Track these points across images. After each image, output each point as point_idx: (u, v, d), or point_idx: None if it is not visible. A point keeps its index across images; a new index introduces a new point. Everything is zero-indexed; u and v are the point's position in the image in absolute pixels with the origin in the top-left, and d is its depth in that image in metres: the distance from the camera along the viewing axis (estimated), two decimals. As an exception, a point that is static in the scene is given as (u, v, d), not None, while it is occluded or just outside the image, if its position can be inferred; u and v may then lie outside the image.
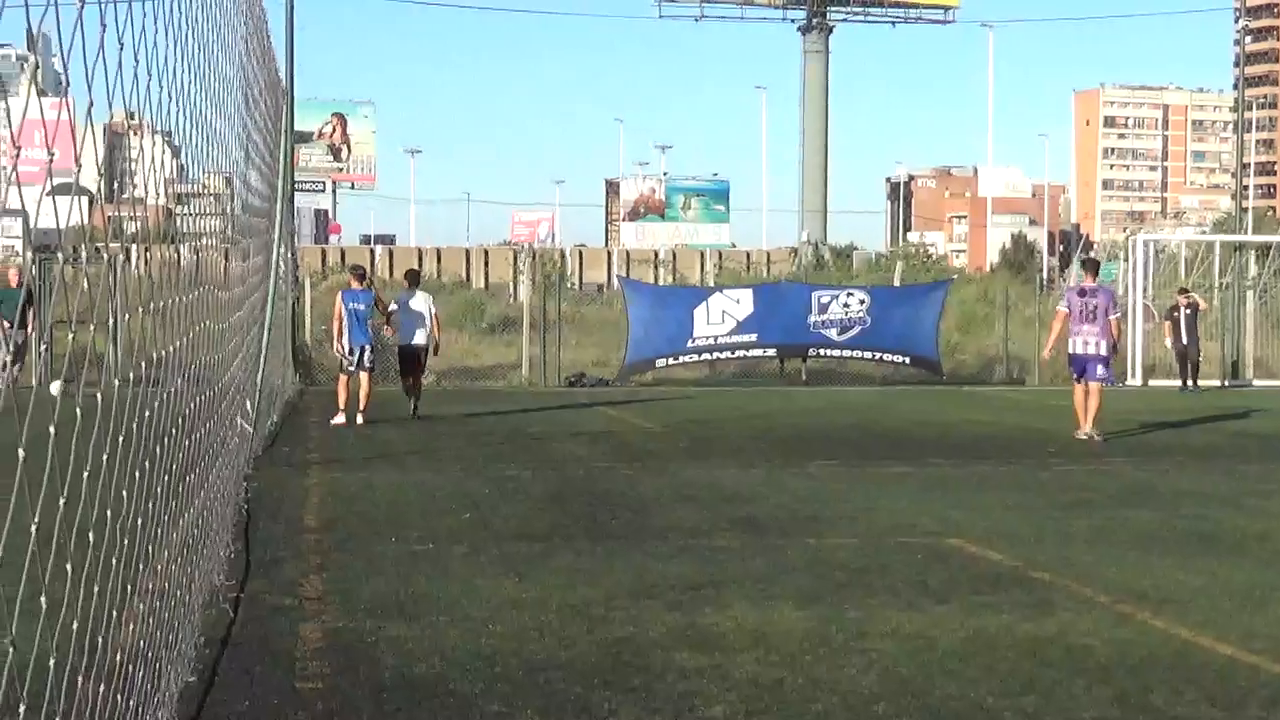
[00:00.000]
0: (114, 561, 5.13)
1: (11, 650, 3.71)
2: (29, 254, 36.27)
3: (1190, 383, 34.20)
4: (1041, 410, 27.34)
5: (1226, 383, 36.59)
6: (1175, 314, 34.67)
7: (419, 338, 23.26)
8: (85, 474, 4.67)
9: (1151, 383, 35.45)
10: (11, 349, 27.97)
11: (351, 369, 22.61)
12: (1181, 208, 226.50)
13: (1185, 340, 34.38)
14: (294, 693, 7.42)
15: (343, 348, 22.72)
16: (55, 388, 5.21)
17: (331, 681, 7.60)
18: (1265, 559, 11.50)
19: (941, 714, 7.09)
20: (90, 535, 4.77)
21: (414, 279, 24.13)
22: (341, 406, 22.44)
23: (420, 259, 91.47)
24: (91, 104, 4.47)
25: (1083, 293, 21.40)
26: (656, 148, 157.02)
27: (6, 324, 27.50)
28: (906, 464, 18.03)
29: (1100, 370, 21.32)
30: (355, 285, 23.21)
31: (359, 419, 22.22)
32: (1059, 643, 8.50)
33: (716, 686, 7.52)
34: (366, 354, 22.71)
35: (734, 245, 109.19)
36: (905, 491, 15.46)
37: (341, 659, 8.05)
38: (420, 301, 23.31)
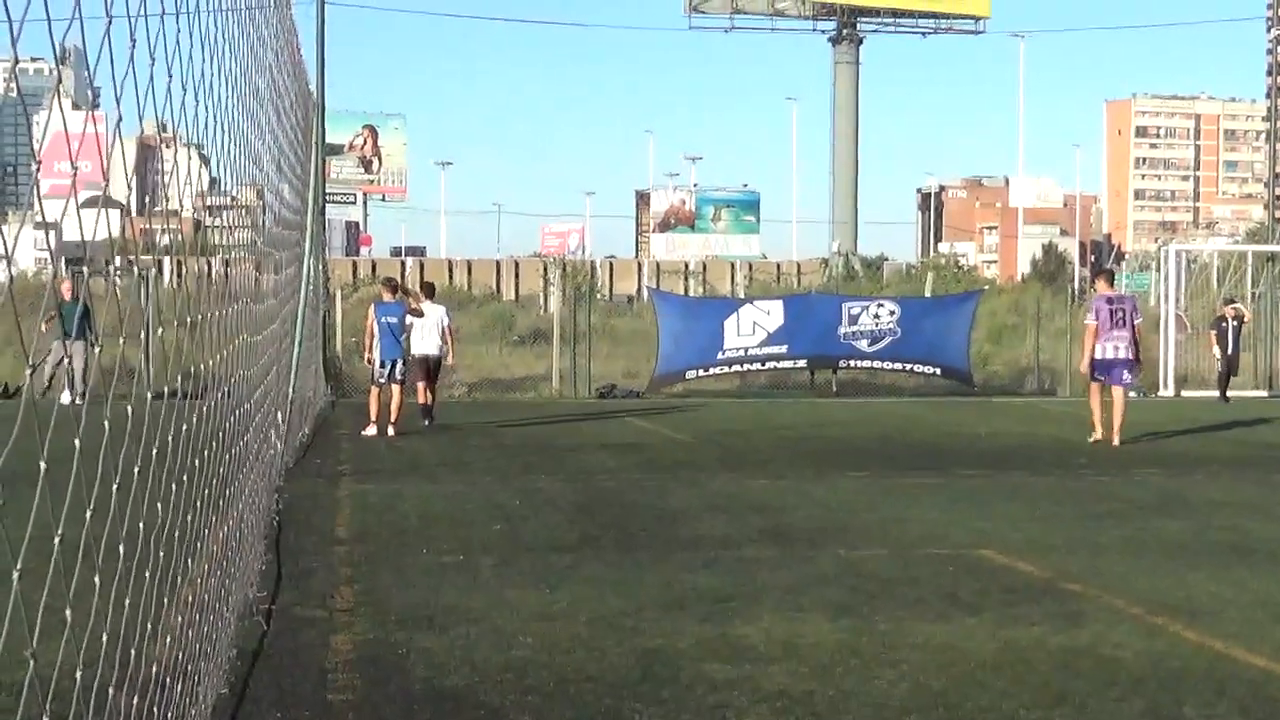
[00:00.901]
0: (147, 575, 5.15)
1: (32, 662, 3.73)
2: (61, 266, 36.39)
3: (1221, 394, 33.97)
4: (1073, 421, 27.22)
5: (1268, 393, 36.29)
6: (1223, 325, 34.40)
7: (432, 348, 23.45)
8: (115, 487, 4.68)
9: (1184, 393, 35.29)
10: (70, 362, 28.12)
11: (383, 381, 22.67)
12: (1214, 218, 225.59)
13: (1231, 351, 34.15)
14: (325, 705, 7.43)
15: (374, 360, 22.78)
16: (65, 398, 5.23)
17: (362, 693, 7.62)
18: (1298, 570, 11.44)
19: (972, 726, 7.08)
20: (121, 548, 4.79)
21: (430, 291, 24.24)
22: (373, 418, 22.48)
23: (451, 271, 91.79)
24: (121, 118, 4.49)
25: (1109, 300, 21.97)
26: (687, 159, 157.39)
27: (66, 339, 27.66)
28: (937, 475, 18.00)
29: (1126, 375, 21.85)
30: (388, 297, 23.24)
31: (390, 430, 22.25)
32: (1091, 654, 8.47)
33: (747, 698, 7.51)
34: (398, 367, 22.75)
35: (764, 256, 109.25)
36: (936, 502, 15.42)
37: (372, 671, 8.06)
38: (434, 313, 23.41)
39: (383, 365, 22.64)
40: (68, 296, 29.61)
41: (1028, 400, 33.96)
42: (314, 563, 11.50)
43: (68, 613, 4.11)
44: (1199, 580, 10.86)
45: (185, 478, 5.74)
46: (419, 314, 23.11)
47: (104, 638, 4.61)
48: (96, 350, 25.85)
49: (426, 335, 23.37)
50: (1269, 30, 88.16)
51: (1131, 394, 34.89)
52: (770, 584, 10.62)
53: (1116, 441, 21.35)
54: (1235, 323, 34.17)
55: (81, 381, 27.91)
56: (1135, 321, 21.79)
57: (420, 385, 23.60)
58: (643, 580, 10.74)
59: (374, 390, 22.87)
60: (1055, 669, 8.13)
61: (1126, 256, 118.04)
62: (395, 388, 22.77)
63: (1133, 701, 7.50)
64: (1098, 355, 21.78)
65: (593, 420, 26.36)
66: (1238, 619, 9.51)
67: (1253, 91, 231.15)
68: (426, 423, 23.41)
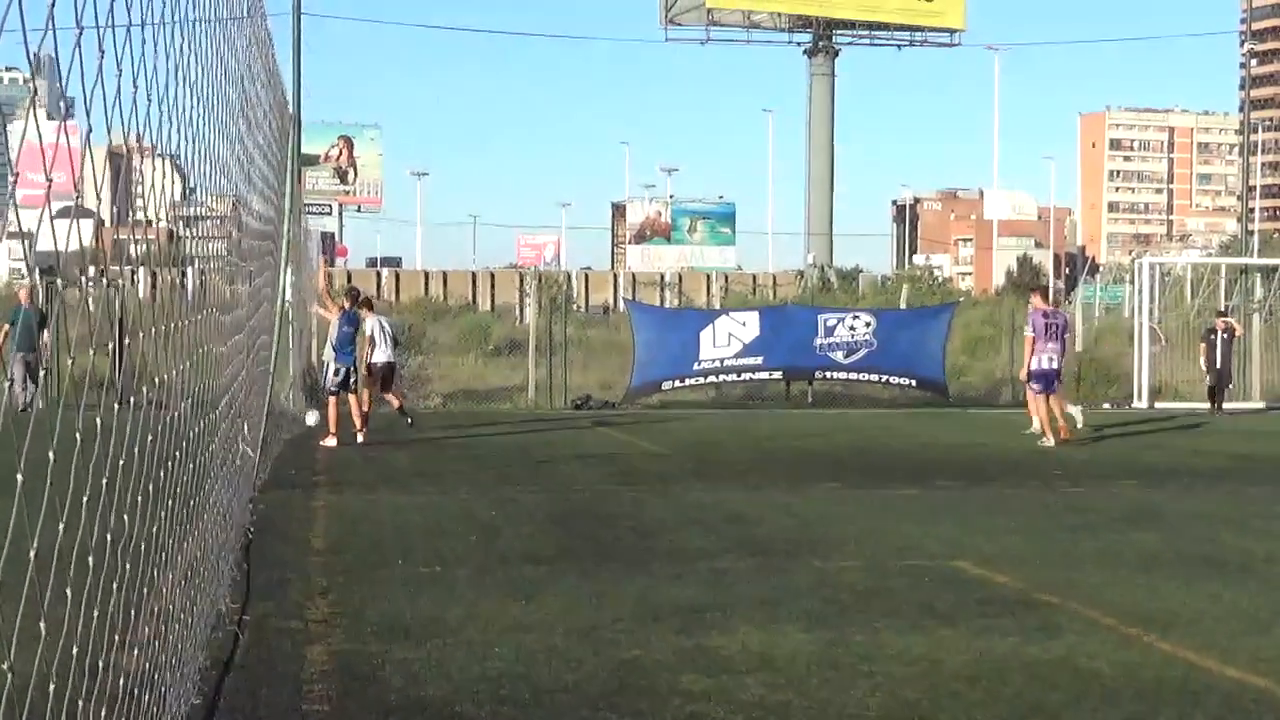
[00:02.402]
0: (114, 586, 5.12)
1: (10, 675, 3.70)
2: (36, 277, 36.36)
3: (1217, 405, 33.87)
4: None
5: (1266, 405, 36.28)
6: (1212, 337, 34.42)
7: (388, 355, 24.18)
8: (85, 498, 4.66)
9: (1158, 404, 35.38)
10: (22, 372, 28.11)
11: (335, 390, 22.63)
12: (1187, 230, 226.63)
13: (1219, 364, 34.12)
14: (300, 716, 7.41)
15: (329, 369, 22.77)
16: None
17: (337, 704, 7.59)
18: (1272, 581, 11.47)
19: (948, 737, 7.08)
20: (90, 559, 4.76)
21: (367, 303, 24.28)
22: (332, 429, 22.45)
23: (426, 281, 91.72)
24: (91, 129, 4.48)
25: (1045, 315, 24.26)
26: (663, 170, 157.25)
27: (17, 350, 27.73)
28: (912, 486, 18.01)
29: (1057, 384, 24.19)
30: (348, 306, 23.13)
31: (360, 438, 22.29)
32: (1065, 665, 8.48)
33: (722, 709, 7.50)
34: (352, 376, 22.78)
35: (740, 268, 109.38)
36: (911, 514, 15.43)
37: (347, 682, 8.04)
38: (373, 321, 24.14)
39: (337, 374, 22.61)
40: (25, 303, 29.63)
41: (1002, 412, 34.01)
42: (289, 574, 11.46)
43: (41, 625, 4.09)
44: (1173, 591, 10.88)
45: (151, 487, 5.72)
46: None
47: (74, 649, 4.58)
48: (43, 358, 25.76)
49: (383, 343, 23.77)
50: (1242, 44, 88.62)
51: (1106, 405, 35.09)
52: (746, 595, 10.61)
53: (1065, 436, 23.45)
54: (1225, 335, 34.16)
55: (32, 384, 27.97)
56: (1065, 336, 24.20)
57: (387, 396, 23.97)
58: (619, 592, 10.73)
59: (333, 400, 22.81)
60: (1030, 680, 8.14)
61: (1100, 269, 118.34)
62: (353, 397, 22.84)
63: (1107, 713, 7.51)
64: (1036, 366, 23.73)
65: (568, 431, 26.34)
66: (1211, 630, 9.53)
67: (1226, 105, 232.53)
68: (410, 422, 24.07)
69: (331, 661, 8.51)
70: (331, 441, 22.25)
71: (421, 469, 19.68)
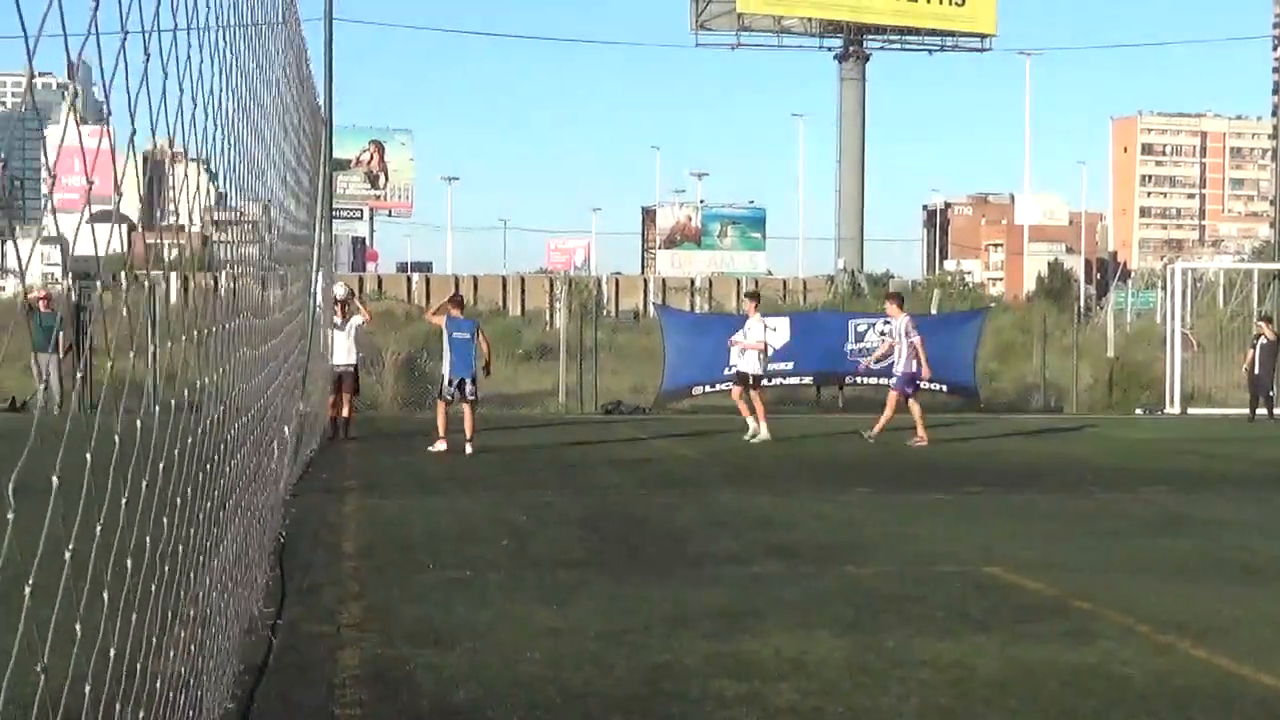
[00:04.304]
0: (151, 589, 5.14)
1: (44, 677, 3.72)
2: (69, 280, 36.53)
3: (1264, 412, 33.46)
4: (1079, 439, 27.24)
5: None
6: (1255, 342, 34.16)
7: (350, 358, 24.55)
8: (124, 501, 4.68)
9: (1190, 411, 35.24)
10: (46, 374, 28.30)
11: (450, 398, 22.46)
12: (1219, 235, 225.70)
13: (1258, 370, 33.82)
14: (331, 719, 7.42)
15: (444, 375, 22.58)
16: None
17: (370, 709, 7.61)
18: (1307, 589, 11.41)
19: (981, 744, 7.06)
20: (129, 562, 4.78)
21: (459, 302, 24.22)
22: (441, 434, 22.26)
23: (457, 286, 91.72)
24: (135, 131, 4.50)
25: (914, 320, 25.92)
26: (693, 175, 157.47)
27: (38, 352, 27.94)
28: (944, 492, 17.97)
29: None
30: (456, 313, 22.90)
31: (468, 448, 21.93)
32: (1099, 672, 8.45)
33: (755, 715, 7.49)
34: (467, 385, 22.43)
35: (770, 273, 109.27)
36: (943, 519, 15.41)
37: (379, 686, 8.05)
38: (352, 324, 24.58)
39: (450, 383, 22.43)
40: (44, 309, 29.80)
41: (1034, 417, 33.92)
42: (321, 578, 11.49)
43: (77, 627, 4.10)
44: (1207, 599, 10.83)
45: (189, 490, 5.73)
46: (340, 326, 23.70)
47: (110, 652, 4.59)
48: (57, 360, 26.00)
49: (346, 347, 24.12)
50: (1275, 48, 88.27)
51: (1139, 411, 34.99)
52: (778, 600, 10.60)
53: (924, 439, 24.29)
54: (1267, 341, 33.86)
55: (58, 390, 28.15)
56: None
57: (345, 397, 23.97)
58: (650, 596, 10.73)
59: (442, 405, 22.71)
60: (1064, 687, 8.11)
61: (1132, 274, 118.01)
62: (466, 405, 22.37)
63: (1141, 719, 7.48)
64: (911, 369, 25.00)
65: (599, 436, 26.33)
66: (1246, 637, 9.48)
67: (1259, 109, 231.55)
68: (340, 435, 24.06)
69: (364, 666, 8.53)
70: (441, 445, 22.08)
71: (453, 473, 19.70)
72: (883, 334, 26.26)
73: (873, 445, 24.68)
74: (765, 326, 26.05)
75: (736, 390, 25.77)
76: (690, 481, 19.08)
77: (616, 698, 7.81)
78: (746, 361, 25.59)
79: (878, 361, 29.65)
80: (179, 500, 5.51)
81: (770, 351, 26.66)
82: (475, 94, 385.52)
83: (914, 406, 24.95)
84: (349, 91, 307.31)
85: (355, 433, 24.54)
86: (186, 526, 5.75)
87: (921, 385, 26.02)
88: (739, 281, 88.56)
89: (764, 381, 26.16)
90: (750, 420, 25.02)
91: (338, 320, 24.19)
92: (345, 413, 24.36)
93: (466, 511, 15.65)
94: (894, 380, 25.33)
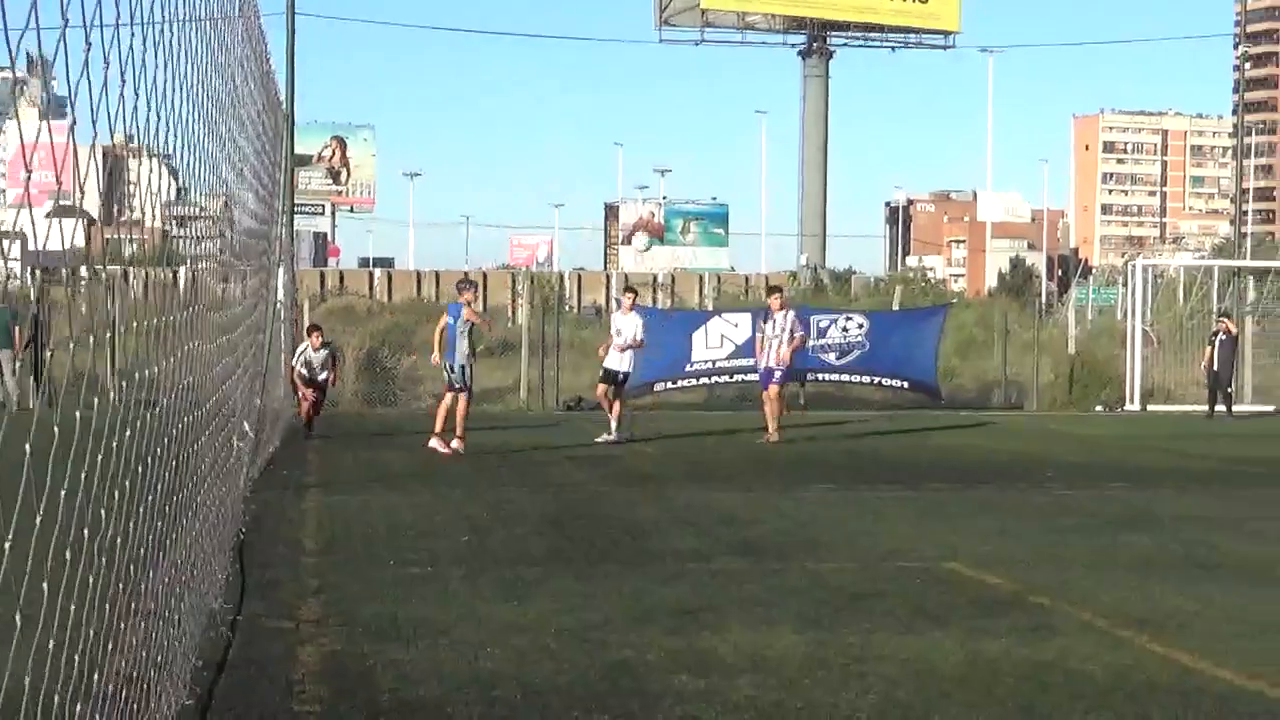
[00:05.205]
0: (90, 581, 5.09)
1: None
2: (28, 275, 36.35)
3: (1223, 409, 33.54)
4: (1040, 435, 27.34)
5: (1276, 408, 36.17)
6: (1213, 339, 34.21)
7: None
8: (62, 493, 4.64)
9: (1150, 407, 35.39)
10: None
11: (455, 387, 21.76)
12: (1180, 233, 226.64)
13: (1217, 367, 33.88)
14: (291, 716, 7.40)
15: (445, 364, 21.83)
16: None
17: (329, 705, 7.59)
18: (1265, 584, 11.48)
19: (940, 739, 7.07)
20: (67, 554, 4.74)
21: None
22: (436, 429, 21.73)
23: (419, 282, 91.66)
24: (75, 123, 4.46)
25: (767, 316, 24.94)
26: (656, 171, 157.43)
27: None
28: (904, 488, 18.02)
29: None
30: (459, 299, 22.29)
31: (455, 443, 21.37)
32: (1058, 667, 8.48)
33: (714, 710, 7.50)
34: (454, 373, 21.69)
35: (733, 269, 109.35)
36: (903, 516, 15.44)
37: (339, 682, 8.03)
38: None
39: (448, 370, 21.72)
40: None
41: (994, 414, 34.03)
42: (281, 574, 11.46)
43: (17, 618, 4.08)
44: (1166, 594, 10.88)
45: (128, 484, 5.67)
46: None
47: (50, 645, 4.56)
48: (18, 358, 25.89)
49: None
50: (1236, 47, 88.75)
51: (1099, 407, 35.15)
52: (738, 596, 10.61)
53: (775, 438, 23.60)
54: (1225, 337, 33.95)
55: (15, 386, 28.01)
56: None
57: (315, 397, 23.96)
58: (611, 592, 10.73)
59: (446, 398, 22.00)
60: (1022, 681, 8.14)
61: (1093, 271, 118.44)
62: (460, 396, 21.70)
63: (1100, 714, 7.51)
64: (788, 364, 24.51)
65: (561, 432, 26.31)
66: (1204, 632, 9.53)
67: (1219, 108, 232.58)
68: (306, 431, 23.93)
69: (323, 662, 8.50)
70: (439, 446, 21.42)
71: (414, 469, 19.66)
72: (761, 330, 24.86)
73: (834, 442, 24.73)
74: (640, 324, 24.73)
75: (602, 388, 24.36)
76: (652, 478, 19.08)
77: (576, 694, 7.81)
78: (620, 360, 24.19)
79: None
80: (117, 493, 5.45)
81: (635, 347, 24.44)
82: (438, 90, 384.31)
83: (778, 403, 24.40)
84: (311, 87, 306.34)
85: (318, 430, 24.42)
86: (130, 520, 5.70)
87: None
88: (702, 278, 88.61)
89: (627, 382, 24.76)
90: (613, 421, 23.85)
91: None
92: (312, 414, 24.17)
93: (428, 507, 15.63)
94: (775, 375, 24.31)
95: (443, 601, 10.32)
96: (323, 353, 24.14)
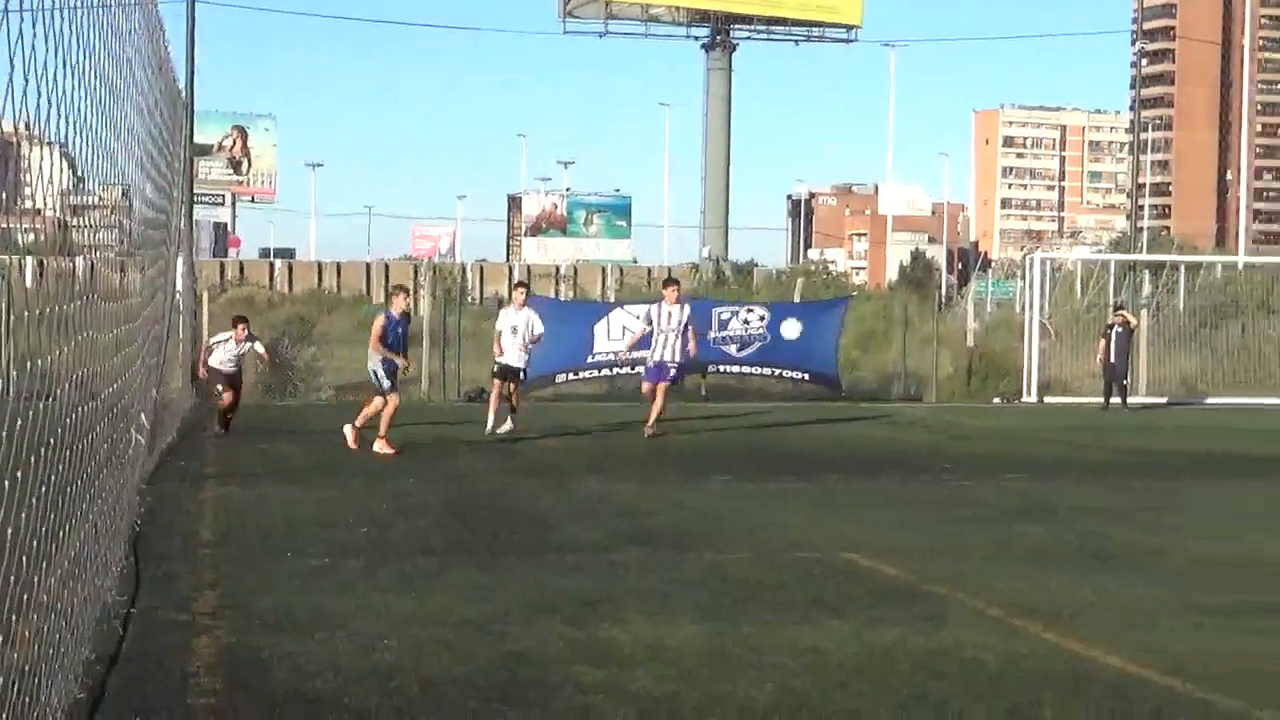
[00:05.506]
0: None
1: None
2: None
3: (1118, 401, 33.86)
4: (938, 426, 27.54)
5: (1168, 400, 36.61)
6: (1108, 332, 34.47)
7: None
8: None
9: (1047, 399, 35.74)
10: None
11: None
12: (1078, 227, 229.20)
13: (1114, 359, 34.16)
14: (185, 708, 7.35)
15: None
16: None
17: (223, 697, 7.54)
18: (1156, 574, 11.64)
19: (835, 727, 7.13)
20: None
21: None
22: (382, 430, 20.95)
23: (320, 273, 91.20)
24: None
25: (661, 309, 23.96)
26: (559, 163, 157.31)
27: None
28: (804, 480, 18.12)
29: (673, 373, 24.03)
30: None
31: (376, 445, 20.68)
32: (953, 656, 8.56)
33: (612, 700, 7.52)
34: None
35: (635, 261, 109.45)
36: (802, 507, 15.53)
37: (234, 675, 7.98)
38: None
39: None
40: None
41: (894, 406, 34.25)
42: (176, 566, 11.37)
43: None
44: (1059, 583, 11.01)
45: (19, 474, 5.61)
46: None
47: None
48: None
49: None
50: (1133, 43, 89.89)
51: (996, 399, 35.52)
52: (637, 588, 10.64)
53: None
54: (1121, 329, 34.26)
55: None
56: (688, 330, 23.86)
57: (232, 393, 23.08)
58: (511, 584, 10.73)
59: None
60: (917, 670, 8.21)
61: (992, 264, 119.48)
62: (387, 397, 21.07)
63: (993, 701, 7.59)
64: (685, 359, 23.85)
65: (462, 423, 26.23)
66: (1096, 621, 9.66)
67: (1117, 103, 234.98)
68: (222, 431, 22.90)
69: (218, 654, 8.45)
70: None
71: (315, 462, 19.56)
72: (653, 323, 23.91)
73: (734, 434, 24.83)
74: (535, 318, 24.23)
75: (499, 385, 23.73)
76: (553, 469, 19.08)
77: (474, 685, 7.80)
78: (519, 356, 23.72)
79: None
80: (6, 484, 5.39)
81: (535, 342, 24.06)
82: (340, 80, 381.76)
83: (662, 399, 23.66)
84: (212, 76, 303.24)
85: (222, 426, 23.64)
86: (22, 512, 5.64)
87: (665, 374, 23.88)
88: (604, 269, 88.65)
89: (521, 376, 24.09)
90: (492, 416, 23.37)
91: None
92: (227, 407, 23.13)
93: (327, 500, 15.55)
94: (671, 373, 23.85)
95: (341, 593, 10.28)
96: (247, 346, 23.31)
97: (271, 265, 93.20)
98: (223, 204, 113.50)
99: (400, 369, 21.30)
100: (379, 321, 21.44)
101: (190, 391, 27.55)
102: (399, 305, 21.82)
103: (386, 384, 21.02)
